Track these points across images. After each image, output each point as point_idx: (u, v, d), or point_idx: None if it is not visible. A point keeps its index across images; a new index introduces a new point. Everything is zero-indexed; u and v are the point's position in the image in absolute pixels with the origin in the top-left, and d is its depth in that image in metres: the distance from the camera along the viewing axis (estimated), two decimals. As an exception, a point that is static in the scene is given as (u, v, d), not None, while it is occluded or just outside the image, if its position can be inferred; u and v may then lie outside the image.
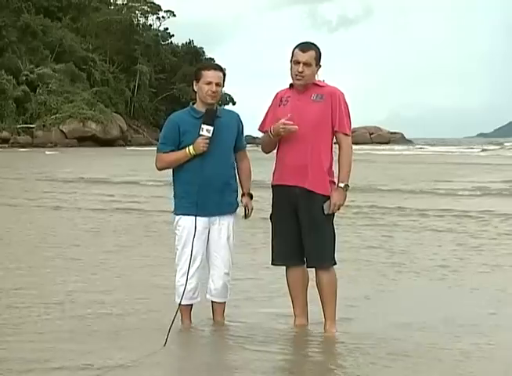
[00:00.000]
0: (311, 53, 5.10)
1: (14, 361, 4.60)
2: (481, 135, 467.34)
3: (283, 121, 5.03)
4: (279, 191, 5.24)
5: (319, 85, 5.16)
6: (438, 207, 14.23)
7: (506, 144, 56.17)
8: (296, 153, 5.10)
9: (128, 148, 64.28)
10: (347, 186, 5.10)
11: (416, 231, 11.00)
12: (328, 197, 5.08)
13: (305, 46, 5.13)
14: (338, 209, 5.12)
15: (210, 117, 5.11)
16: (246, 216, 5.38)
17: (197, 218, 5.16)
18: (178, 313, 5.22)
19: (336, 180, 5.15)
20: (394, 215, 13.15)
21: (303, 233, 5.14)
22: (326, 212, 5.07)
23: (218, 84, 5.15)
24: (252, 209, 5.39)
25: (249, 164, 5.46)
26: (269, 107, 5.31)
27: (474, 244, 9.70)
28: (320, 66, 5.18)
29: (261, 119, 5.34)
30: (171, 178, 5.34)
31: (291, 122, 5.03)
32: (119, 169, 29.00)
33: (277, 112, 5.19)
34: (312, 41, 5.24)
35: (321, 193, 5.07)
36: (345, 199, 5.12)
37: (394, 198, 16.29)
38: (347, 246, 8.99)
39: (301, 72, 5.06)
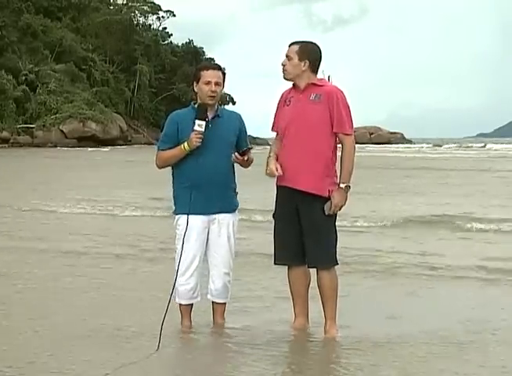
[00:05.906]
0: (293, 47, 5.16)
1: (6, 365, 4.55)
2: (480, 135, 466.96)
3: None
4: (281, 191, 5.24)
5: (317, 85, 5.13)
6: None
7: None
8: (294, 155, 5.10)
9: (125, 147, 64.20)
10: (348, 186, 5.08)
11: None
12: (327, 198, 5.06)
13: (291, 42, 5.20)
14: (340, 210, 5.11)
15: (201, 111, 5.12)
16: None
17: (197, 216, 5.15)
18: (179, 314, 5.21)
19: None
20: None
21: (304, 234, 5.13)
22: (326, 213, 5.05)
23: (217, 84, 5.14)
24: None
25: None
26: (276, 108, 5.32)
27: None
28: (310, 62, 5.11)
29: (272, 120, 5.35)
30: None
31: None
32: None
33: (282, 112, 5.22)
34: (307, 40, 5.25)
35: (318, 195, 5.04)
36: (346, 200, 5.10)
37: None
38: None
39: (283, 65, 5.16)
